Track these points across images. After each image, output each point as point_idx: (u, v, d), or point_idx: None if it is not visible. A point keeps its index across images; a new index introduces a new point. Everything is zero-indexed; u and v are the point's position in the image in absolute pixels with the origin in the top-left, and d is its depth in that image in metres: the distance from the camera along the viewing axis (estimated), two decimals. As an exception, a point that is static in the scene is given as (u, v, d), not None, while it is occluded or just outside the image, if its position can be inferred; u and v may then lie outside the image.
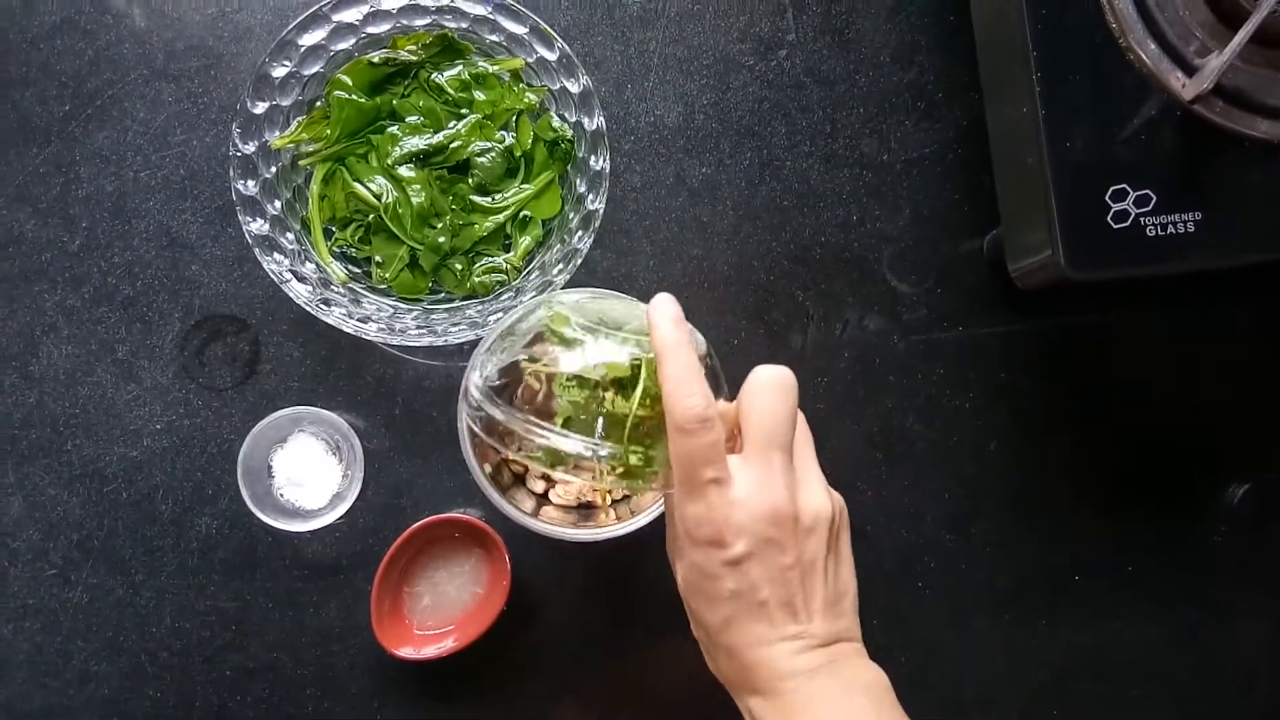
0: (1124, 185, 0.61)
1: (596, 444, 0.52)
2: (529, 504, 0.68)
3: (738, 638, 0.49)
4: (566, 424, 0.54)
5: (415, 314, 0.72)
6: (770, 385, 0.50)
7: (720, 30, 0.79)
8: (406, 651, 0.69)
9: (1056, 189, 0.62)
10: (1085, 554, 0.77)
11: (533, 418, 0.54)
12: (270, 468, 0.74)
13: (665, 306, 0.51)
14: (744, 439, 0.50)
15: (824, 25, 0.79)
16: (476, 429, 0.55)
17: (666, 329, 0.50)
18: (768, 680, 0.49)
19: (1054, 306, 0.78)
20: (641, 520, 0.64)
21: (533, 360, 0.56)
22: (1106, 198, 0.61)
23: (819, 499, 0.50)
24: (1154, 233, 0.61)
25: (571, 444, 0.52)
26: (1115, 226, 0.61)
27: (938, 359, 0.78)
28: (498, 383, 0.56)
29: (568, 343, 0.55)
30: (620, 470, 0.53)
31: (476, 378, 0.57)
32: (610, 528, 0.64)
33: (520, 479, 0.69)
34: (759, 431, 0.49)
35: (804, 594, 0.49)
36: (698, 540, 0.49)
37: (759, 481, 0.49)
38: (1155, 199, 0.61)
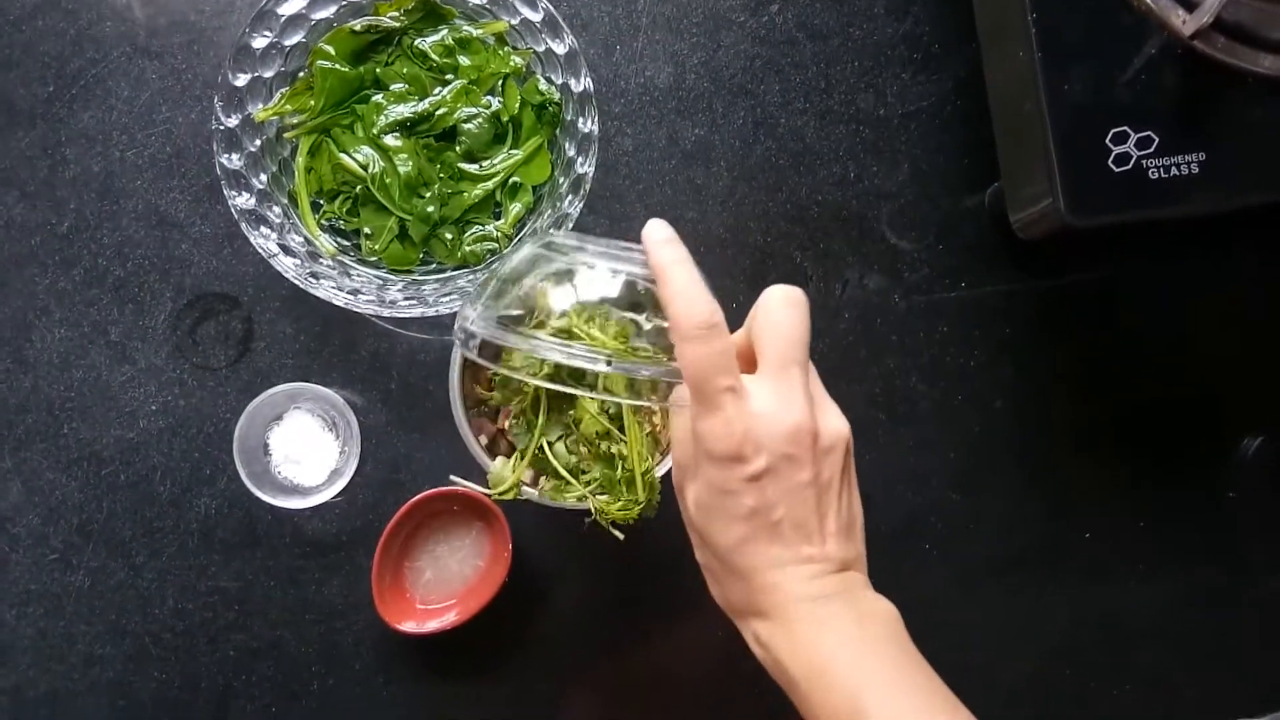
0: (1125, 128, 0.59)
1: (605, 354, 0.51)
2: (527, 475, 0.67)
3: (750, 559, 0.48)
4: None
5: (405, 285, 0.71)
6: (784, 301, 0.49)
7: (709, -13, 0.77)
8: (409, 626, 0.69)
9: (1056, 134, 0.60)
10: (1095, 512, 0.76)
11: (538, 334, 0.53)
12: (267, 445, 0.73)
13: (658, 229, 0.50)
14: (760, 356, 0.49)
15: (816, -21, 0.77)
16: (476, 357, 0.54)
17: (663, 251, 0.49)
18: (778, 604, 0.47)
19: (1058, 260, 0.76)
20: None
21: (539, 293, 0.56)
22: (1107, 141, 0.59)
23: (838, 419, 0.49)
24: (1156, 175, 0.59)
25: (577, 356, 0.51)
26: (1117, 170, 0.59)
27: (940, 317, 0.76)
28: (502, 313, 0.56)
29: (569, 270, 0.55)
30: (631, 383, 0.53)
31: (476, 310, 0.56)
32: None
33: (515, 448, 0.68)
34: (775, 347, 0.48)
35: (819, 515, 0.48)
36: (716, 456, 0.47)
37: (779, 396, 0.47)
38: (1157, 141, 0.59)
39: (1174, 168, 0.59)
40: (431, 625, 0.70)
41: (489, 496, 0.66)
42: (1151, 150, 0.59)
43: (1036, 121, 0.61)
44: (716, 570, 0.50)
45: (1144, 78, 0.59)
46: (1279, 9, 0.59)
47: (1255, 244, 0.76)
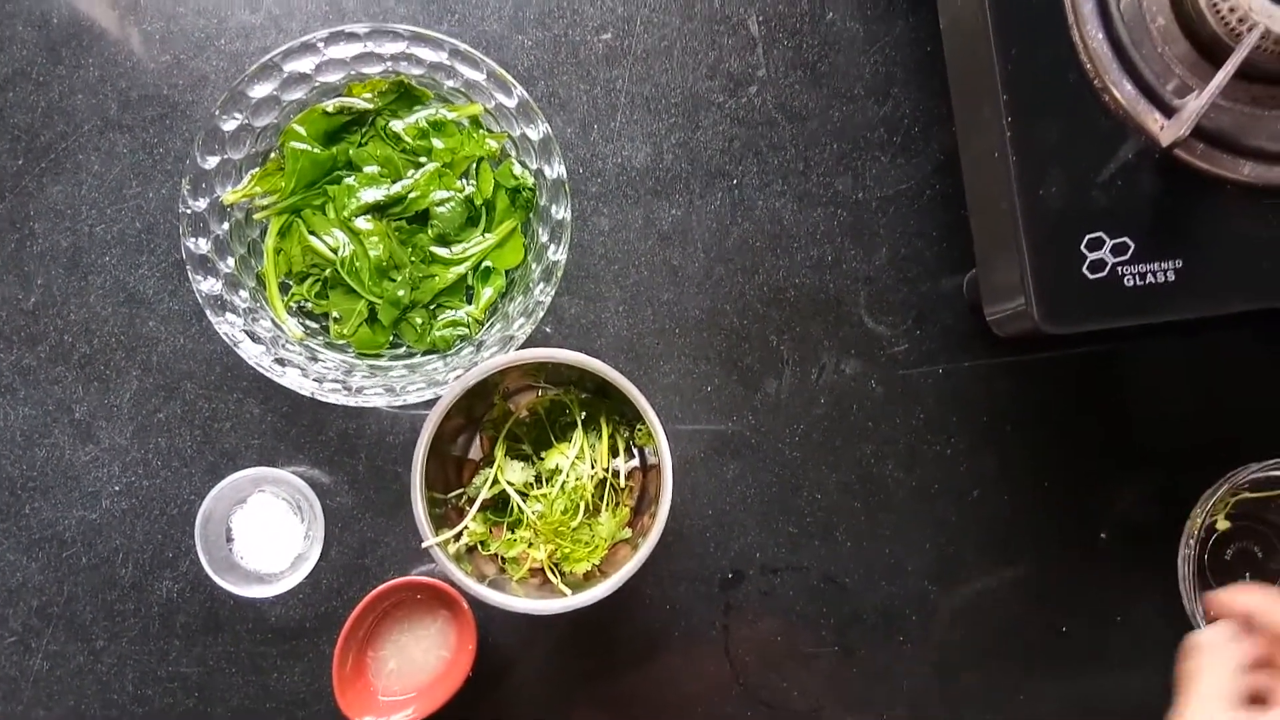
0: (1100, 233, 0.58)
1: None
2: (491, 569, 0.66)
3: None
4: None
5: (371, 370, 0.69)
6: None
7: (689, 67, 0.76)
8: (370, 720, 0.67)
9: (1029, 237, 0.59)
10: (1074, 602, 0.75)
11: None
12: (230, 530, 0.72)
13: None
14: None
15: (795, 59, 0.76)
16: None
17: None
18: None
19: (1039, 343, 0.75)
20: (602, 591, 0.62)
21: None
22: (1082, 246, 0.58)
23: None
24: (1132, 283, 0.58)
25: None
26: (1091, 276, 0.58)
27: (918, 403, 0.75)
28: None
29: None
30: None
31: None
32: (571, 599, 0.62)
33: (474, 549, 0.67)
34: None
35: None
36: None
37: None
38: (1133, 247, 0.58)
39: (1150, 275, 0.58)
40: (396, 718, 0.68)
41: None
42: (1127, 256, 0.58)
43: (1010, 222, 0.60)
44: None
45: (1120, 182, 0.58)
46: (1262, 113, 0.58)
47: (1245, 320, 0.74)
